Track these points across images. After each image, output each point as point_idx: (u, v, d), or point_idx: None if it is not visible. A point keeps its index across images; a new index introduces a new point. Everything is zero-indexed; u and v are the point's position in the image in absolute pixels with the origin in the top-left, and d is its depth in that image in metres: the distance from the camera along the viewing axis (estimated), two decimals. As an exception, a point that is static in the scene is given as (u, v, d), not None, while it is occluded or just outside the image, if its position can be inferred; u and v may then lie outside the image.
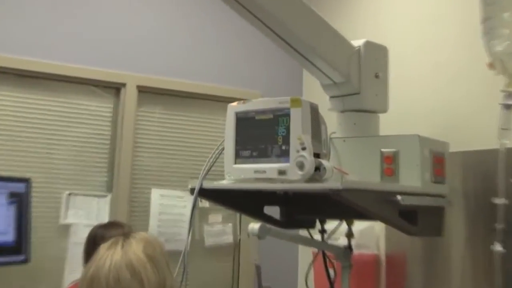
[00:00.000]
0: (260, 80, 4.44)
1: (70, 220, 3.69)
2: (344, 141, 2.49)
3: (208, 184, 2.41)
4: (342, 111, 2.58)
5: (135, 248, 1.81)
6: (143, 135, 4.06)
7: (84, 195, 3.76)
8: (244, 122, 2.30)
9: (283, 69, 4.42)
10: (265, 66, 4.46)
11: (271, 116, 2.22)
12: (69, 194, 3.76)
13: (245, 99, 2.33)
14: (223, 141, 2.38)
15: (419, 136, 2.26)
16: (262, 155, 2.22)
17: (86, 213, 3.71)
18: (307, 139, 2.09)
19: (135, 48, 3.92)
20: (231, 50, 4.32)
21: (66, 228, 3.69)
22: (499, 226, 2.27)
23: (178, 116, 4.27)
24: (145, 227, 3.85)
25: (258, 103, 2.28)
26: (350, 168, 2.38)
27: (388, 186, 2.17)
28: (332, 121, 2.51)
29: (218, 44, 4.30)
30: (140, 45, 3.96)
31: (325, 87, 2.55)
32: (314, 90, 3.70)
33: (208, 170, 2.43)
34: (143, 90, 4.04)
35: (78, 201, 3.73)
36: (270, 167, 2.17)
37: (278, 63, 4.41)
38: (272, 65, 4.43)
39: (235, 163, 2.31)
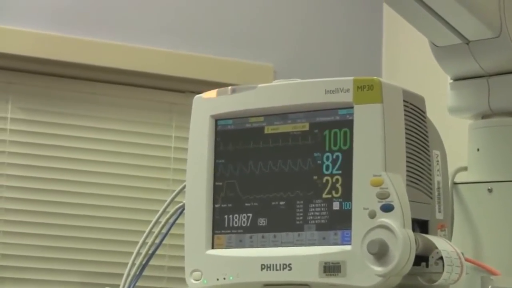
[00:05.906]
0: (272, 46, 3.17)
1: None
2: (489, 190, 1.74)
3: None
4: (486, 116, 1.79)
5: None
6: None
7: None
8: (234, 140, 1.46)
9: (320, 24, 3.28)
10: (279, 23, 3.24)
11: (304, 125, 1.39)
12: None
13: (236, 85, 1.45)
14: (179, 191, 1.50)
15: None
16: (282, 224, 1.38)
17: None
18: (397, 182, 1.29)
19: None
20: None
21: None
22: None
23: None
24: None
25: (271, 93, 1.42)
26: (504, 253, 1.63)
27: None
28: (456, 141, 1.83)
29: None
30: None
31: (445, 56, 1.78)
32: (395, 64, 2.77)
33: (142, 270, 1.52)
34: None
35: None
36: (302, 256, 1.34)
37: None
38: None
39: (214, 245, 1.43)
